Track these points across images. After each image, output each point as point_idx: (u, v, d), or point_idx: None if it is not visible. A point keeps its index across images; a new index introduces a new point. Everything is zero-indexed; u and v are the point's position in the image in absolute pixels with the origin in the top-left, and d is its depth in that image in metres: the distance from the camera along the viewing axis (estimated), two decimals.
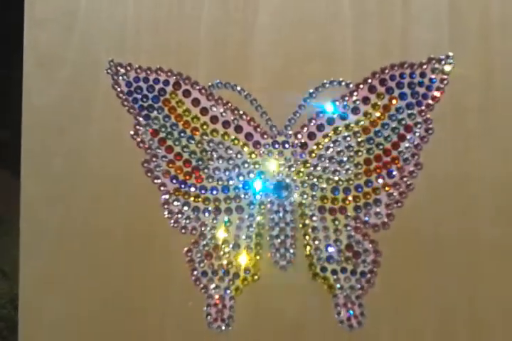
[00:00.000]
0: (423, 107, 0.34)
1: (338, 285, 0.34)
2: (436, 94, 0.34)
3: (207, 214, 0.34)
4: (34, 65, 0.35)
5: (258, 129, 0.34)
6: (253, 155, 0.34)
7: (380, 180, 0.34)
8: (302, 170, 0.34)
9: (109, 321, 0.34)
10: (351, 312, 0.34)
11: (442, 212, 0.33)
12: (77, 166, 0.35)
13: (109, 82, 0.35)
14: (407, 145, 0.34)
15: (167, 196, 0.34)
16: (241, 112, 0.34)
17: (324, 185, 0.34)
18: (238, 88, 0.34)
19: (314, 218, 0.34)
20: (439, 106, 0.34)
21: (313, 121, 0.34)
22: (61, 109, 0.35)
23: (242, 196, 0.34)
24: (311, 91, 0.34)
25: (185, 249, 0.34)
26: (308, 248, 0.34)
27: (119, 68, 0.35)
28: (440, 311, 0.33)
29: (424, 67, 0.34)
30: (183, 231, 0.34)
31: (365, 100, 0.34)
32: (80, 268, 0.35)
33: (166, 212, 0.34)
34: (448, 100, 0.34)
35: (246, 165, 0.34)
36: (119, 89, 0.35)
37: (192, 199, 0.34)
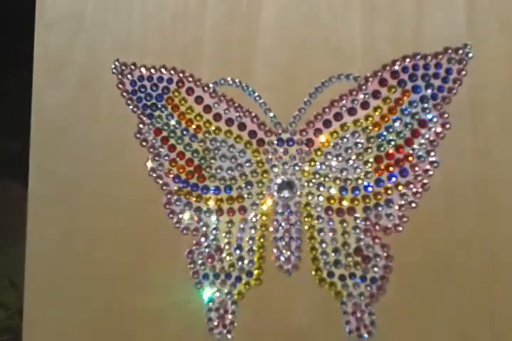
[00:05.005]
0: (439, 100, 0.30)
1: (347, 292, 0.30)
2: (453, 85, 0.30)
3: (209, 215, 0.32)
4: (43, 67, 0.35)
5: (262, 127, 0.32)
6: (256, 154, 0.32)
7: (393, 179, 0.30)
8: (308, 168, 0.31)
9: (106, 323, 0.32)
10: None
11: (460, 214, 0.29)
12: (81, 166, 0.34)
13: (114, 82, 0.33)
14: (421, 141, 0.30)
15: (169, 196, 0.32)
16: (244, 109, 0.32)
17: (331, 184, 0.31)
18: (242, 85, 0.32)
19: (320, 219, 0.31)
20: (457, 101, 0.30)
21: (320, 117, 0.31)
22: (68, 109, 0.34)
23: (246, 196, 0.32)
24: (317, 86, 0.31)
25: (187, 250, 0.32)
26: (314, 251, 0.31)
27: (123, 67, 0.33)
28: (459, 321, 0.29)
29: (440, 57, 0.30)
30: (185, 232, 0.32)
31: (376, 94, 0.31)
32: (82, 267, 0.33)
33: (168, 212, 0.32)
34: (466, 94, 0.30)
35: (249, 164, 0.32)
36: (123, 88, 0.33)
37: (194, 199, 0.32)
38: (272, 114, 0.32)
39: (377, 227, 0.30)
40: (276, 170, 0.31)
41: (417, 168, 0.30)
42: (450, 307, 0.29)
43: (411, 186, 0.30)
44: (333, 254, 0.31)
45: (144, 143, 0.33)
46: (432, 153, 0.30)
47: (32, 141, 0.34)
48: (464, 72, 0.30)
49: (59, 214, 0.34)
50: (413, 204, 0.30)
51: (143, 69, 0.33)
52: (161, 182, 0.32)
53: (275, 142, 0.32)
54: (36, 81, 0.35)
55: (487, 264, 0.29)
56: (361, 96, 0.31)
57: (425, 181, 0.30)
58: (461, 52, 0.30)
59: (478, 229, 0.29)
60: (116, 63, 0.33)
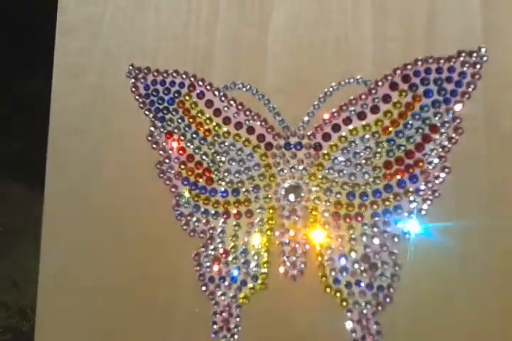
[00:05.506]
0: (451, 105, 0.29)
1: (352, 300, 0.30)
2: (467, 90, 0.29)
3: (216, 218, 0.32)
4: (63, 71, 0.36)
5: (270, 131, 0.32)
6: (264, 157, 0.31)
7: (402, 185, 0.30)
8: (316, 173, 0.31)
9: (112, 323, 0.33)
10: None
11: (472, 221, 0.28)
12: (95, 167, 0.34)
13: (128, 86, 0.34)
14: (432, 146, 0.29)
15: (178, 198, 0.33)
16: (253, 113, 0.32)
17: (339, 190, 0.30)
18: (252, 89, 0.32)
19: (327, 225, 0.30)
20: (470, 105, 0.29)
21: (328, 122, 0.31)
22: (84, 112, 0.35)
23: (253, 200, 0.32)
24: (326, 90, 0.31)
25: (194, 252, 0.32)
26: (320, 257, 0.30)
27: (137, 72, 0.34)
28: (468, 331, 0.28)
29: (453, 60, 0.29)
30: (192, 234, 0.32)
31: (386, 98, 0.30)
32: (93, 267, 0.34)
33: (176, 214, 0.33)
34: (480, 98, 0.29)
35: (257, 168, 0.32)
36: (136, 92, 0.34)
37: (202, 201, 0.32)
38: (280, 118, 0.31)
39: (385, 234, 0.30)
40: (283, 174, 0.31)
41: (427, 174, 0.29)
42: (459, 317, 0.28)
43: (421, 193, 0.29)
44: (339, 261, 0.30)
45: (155, 146, 0.33)
46: (444, 159, 0.29)
47: (49, 142, 0.35)
48: (478, 76, 0.29)
49: (73, 214, 0.34)
50: (423, 212, 0.29)
51: (155, 74, 0.33)
52: (170, 184, 0.33)
53: (283, 146, 0.31)
54: (55, 85, 0.36)
55: (499, 272, 0.28)
56: (371, 100, 0.30)
57: (436, 188, 0.29)
58: (475, 55, 0.29)
59: (491, 236, 0.28)
60: (131, 67, 0.34)
